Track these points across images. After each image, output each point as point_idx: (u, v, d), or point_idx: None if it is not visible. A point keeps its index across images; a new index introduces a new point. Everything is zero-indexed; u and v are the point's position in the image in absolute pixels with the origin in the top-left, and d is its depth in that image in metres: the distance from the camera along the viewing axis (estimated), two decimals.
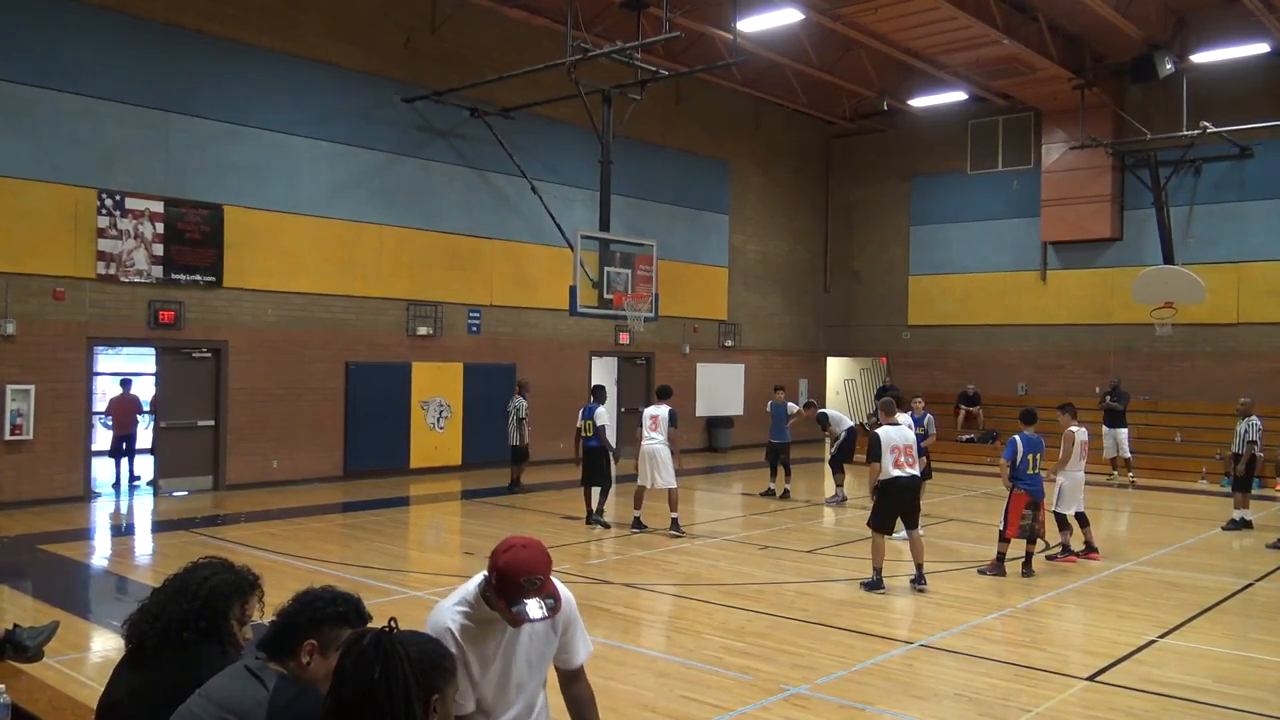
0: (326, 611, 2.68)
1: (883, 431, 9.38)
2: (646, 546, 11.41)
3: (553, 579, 2.98)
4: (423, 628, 2.65)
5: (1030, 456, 10.03)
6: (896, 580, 9.56)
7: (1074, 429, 11.02)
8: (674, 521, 12.06)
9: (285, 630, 2.67)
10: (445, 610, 3.03)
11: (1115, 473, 18.27)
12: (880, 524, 9.36)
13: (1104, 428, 18.28)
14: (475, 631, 3.00)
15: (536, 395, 19.12)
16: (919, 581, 9.27)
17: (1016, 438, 10.11)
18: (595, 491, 12.66)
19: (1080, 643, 7.81)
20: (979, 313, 23.98)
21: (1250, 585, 9.86)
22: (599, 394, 13.07)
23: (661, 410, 12.26)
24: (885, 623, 8.16)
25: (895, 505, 9.34)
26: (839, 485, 15.14)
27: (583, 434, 12.63)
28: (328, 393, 16.09)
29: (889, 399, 10.08)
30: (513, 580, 2.88)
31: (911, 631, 7.88)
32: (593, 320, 18.55)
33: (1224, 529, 13.05)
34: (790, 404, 15.77)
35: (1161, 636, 7.80)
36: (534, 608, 2.88)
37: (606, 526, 12.42)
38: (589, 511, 12.62)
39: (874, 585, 9.17)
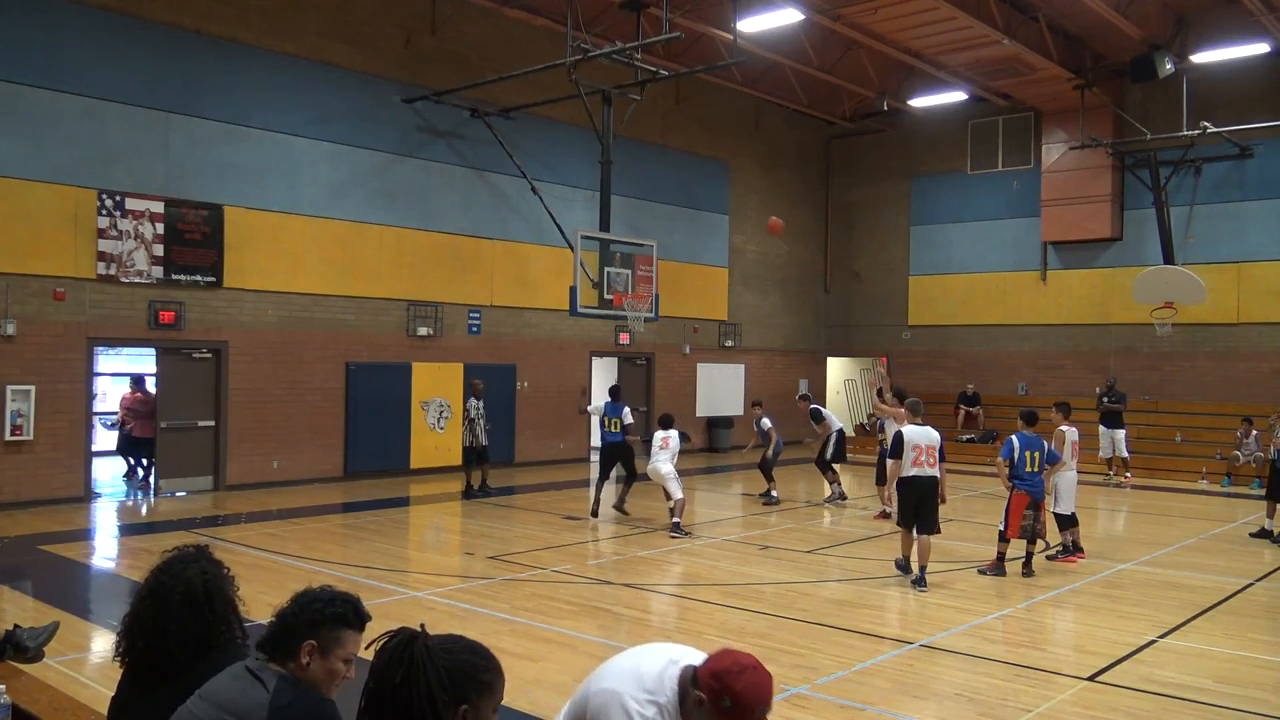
0: (325, 613, 2.68)
1: (907, 430, 9.65)
2: (646, 546, 11.42)
3: None
4: (414, 624, 2.51)
5: (1029, 455, 10.02)
6: (897, 579, 9.57)
7: (1064, 428, 11.06)
8: (675, 525, 12.17)
9: (285, 631, 2.66)
10: (628, 700, 2.61)
11: (1111, 473, 18.26)
12: (905, 520, 9.67)
13: (1101, 428, 18.26)
14: None
15: (536, 395, 19.20)
16: (919, 584, 9.30)
17: (1014, 438, 10.12)
18: (604, 486, 13.40)
19: (1080, 643, 7.81)
20: (979, 313, 23.98)
21: (1250, 585, 9.86)
22: (619, 394, 13.98)
23: (672, 434, 12.76)
24: (885, 623, 8.16)
25: (914, 502, 9.53)
26: (833, 483, 15.02)
27: (607, 429, 13.29)
28: (328, 393, 16.09)
29: (915, 400, 10.36)
30: (750, 712, 2.50)
31: (911, 631, 7.88)
32: (593, 320, 18.56)
33: (1253, 535, 12.61)
34: (764, 420, 15.28)
35: (1161, 636, 7.80)
36: None
37: (626, 514, 13.26)
38: (595, 505, 13.14)
39: (903, 567, 9.71)
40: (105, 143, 13.58)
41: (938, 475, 9.57)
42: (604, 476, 13.50)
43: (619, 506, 13.42)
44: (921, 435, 9.59)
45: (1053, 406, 11.50)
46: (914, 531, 9.52)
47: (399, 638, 2.22)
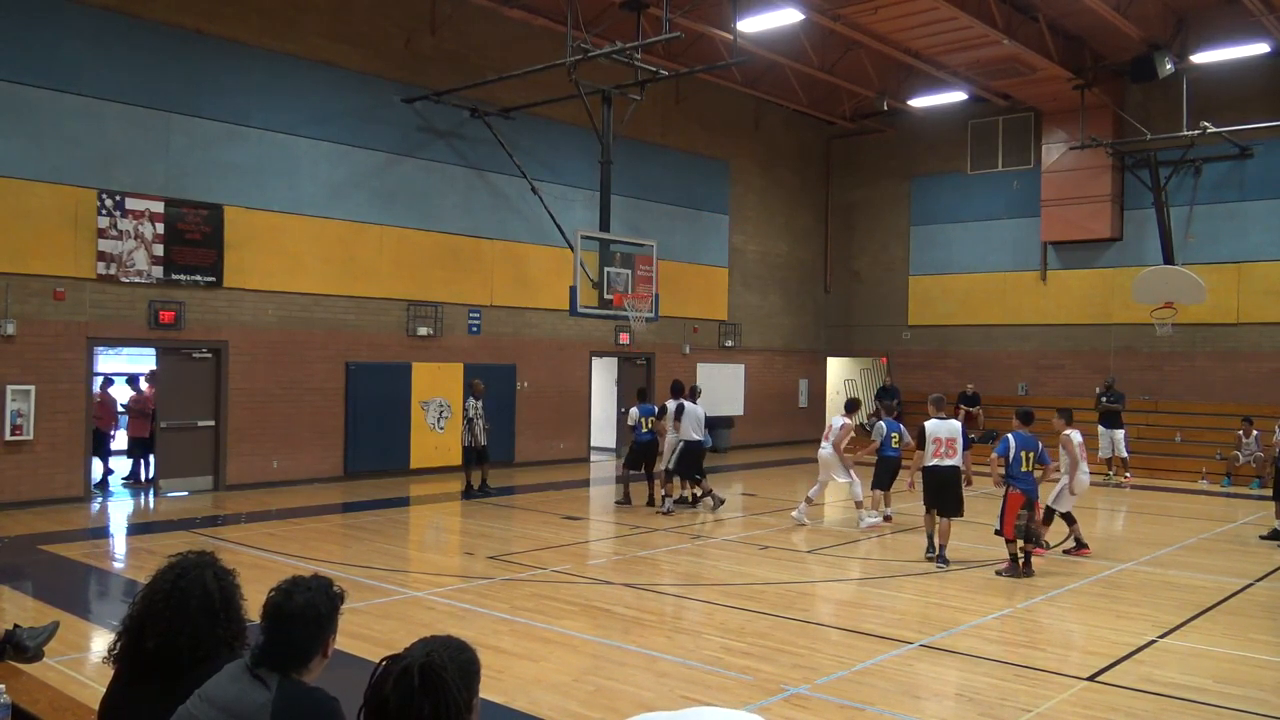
0: (333, 606, 2.76)
1: (929, 425, 10.56)
2: (646, 546, 11.42)
3: None
4: (420, 625, 2.52)
5: (1024, 454, 10.08)
6: (898, 579, 9.56)
7: (1069, 432, 11.13)
8: (666, 499, 13.83)
9: (312, 640, 2.70)
10: None
11: (1111, 473, 18.26)
12: (928, 504, 10.57)
13: (1100, 428, 18.26)
14: None
15: (536, 395, 19.20)
16: (942, 561, 10.24)
17: (1010, 436, 10.23)
18: (634, 478, 14.60)
19: (1080, 643, 7.81)
20: (979, 313, 23.98)
21: (1250, 585, 9.87)
22: (647, 394, 15.42)
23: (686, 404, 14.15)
24: (885, 623, 8.16)
25: (935, 489, 10.46)
26: (665, 496, 13.83)
27: (640, 429, 14.26)
28: (328, 393, 16.09)
29: (939, 395, 11.19)
30: None
31: (911, 631, 7.88)
32: (593, 320, 18.56)
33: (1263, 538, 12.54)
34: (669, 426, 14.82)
35: (1161, 636, 7.81)
36: None
37: (668, 510, 13.81)
38: (625, 493, 14.57)
39: (930, 551, 10.52)
40: (105, 143, 13.58)
41: (958, 464, 10.44)
42: (635, 468, 14.45)
43: (650, 502, 14.38)
44: (942, 428, 10.51)
45: (1055, 413, 11.54)
46: (936, 516, 10.42)
47: (415, 675, 2.15)
